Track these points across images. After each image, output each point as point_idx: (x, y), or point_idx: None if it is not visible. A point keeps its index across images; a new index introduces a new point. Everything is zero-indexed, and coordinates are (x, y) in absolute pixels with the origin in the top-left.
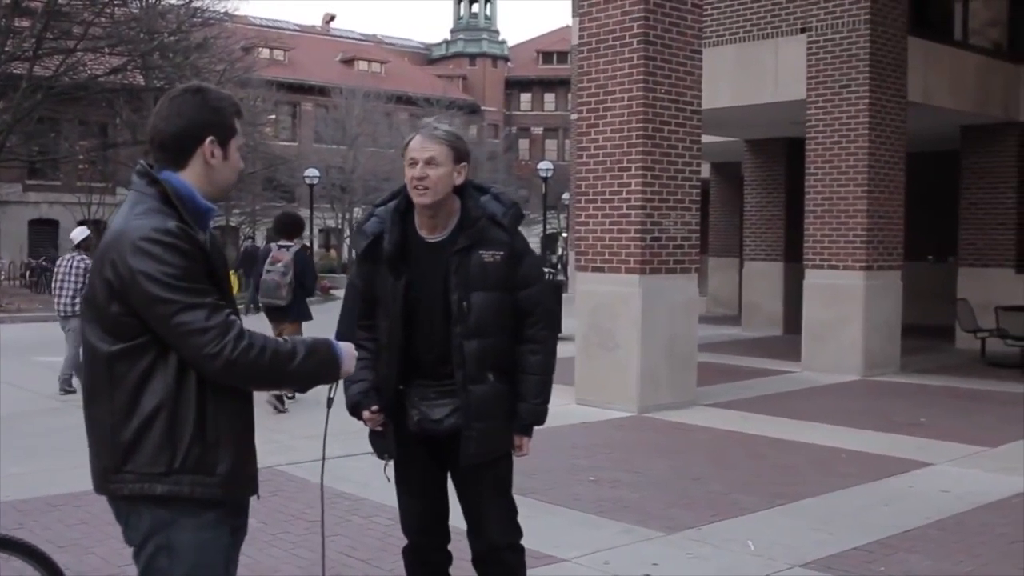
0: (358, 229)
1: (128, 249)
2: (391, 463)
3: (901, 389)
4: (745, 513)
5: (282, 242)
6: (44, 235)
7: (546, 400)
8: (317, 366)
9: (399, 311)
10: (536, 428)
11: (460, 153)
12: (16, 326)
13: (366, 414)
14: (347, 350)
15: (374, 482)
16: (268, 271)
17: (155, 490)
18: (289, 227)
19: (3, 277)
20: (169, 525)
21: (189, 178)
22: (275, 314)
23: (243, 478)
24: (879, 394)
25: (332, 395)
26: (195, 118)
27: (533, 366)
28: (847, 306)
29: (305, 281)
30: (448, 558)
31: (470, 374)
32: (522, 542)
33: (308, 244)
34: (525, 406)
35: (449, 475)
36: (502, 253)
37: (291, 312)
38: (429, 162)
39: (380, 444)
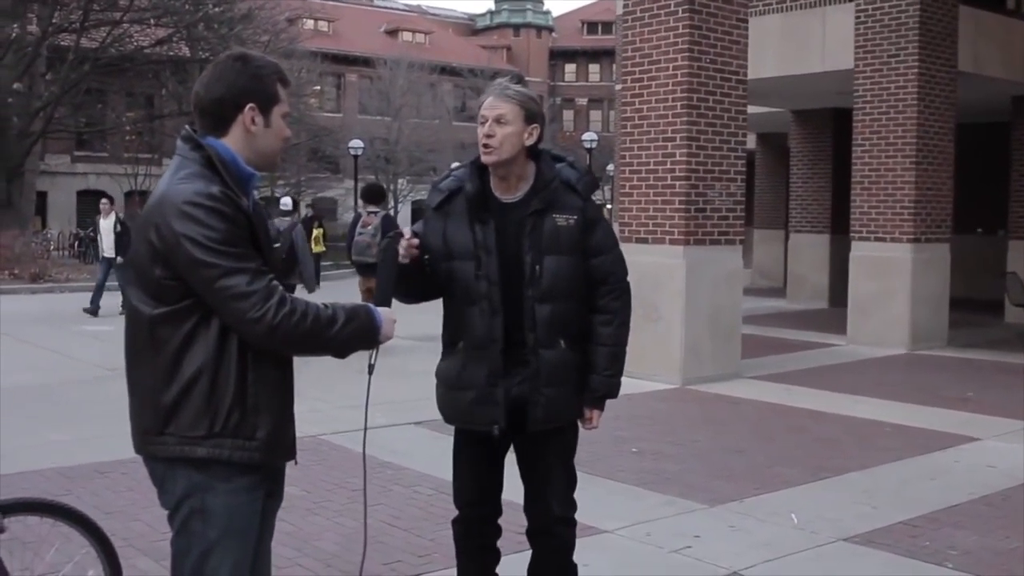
0: (434, 187)
1: (172, 213)
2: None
3: (948, 363)
4: (788, 486)
5: (370, 208)
6: (92, 206)
7: (619, 372)
8: (357, 331)
9: (494, 256)
10: None
11: (531, 113)
12: (64, 295)
13: (407, 232)
14: (387, 315)
15: (417, 451)
16: (360, 233)
17: (195, 453)
18: (376, 195)
19: (52, 247)
20: (204, 489)
21: (231, 144)
22: (365, 270)
23: (282, 443)
24: (925, 368)
25: (373, 361)
26: (235, 84)
27: (605, 337)
28: (894, 279)
29: None
30: (498, 531)
31: (541, 339)
32: (576, 516)
33: (392, 210)
34: (597, 378)
35: (512, 445)
36: (575, 218)
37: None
38: (498, 120)
39: (485, 413)
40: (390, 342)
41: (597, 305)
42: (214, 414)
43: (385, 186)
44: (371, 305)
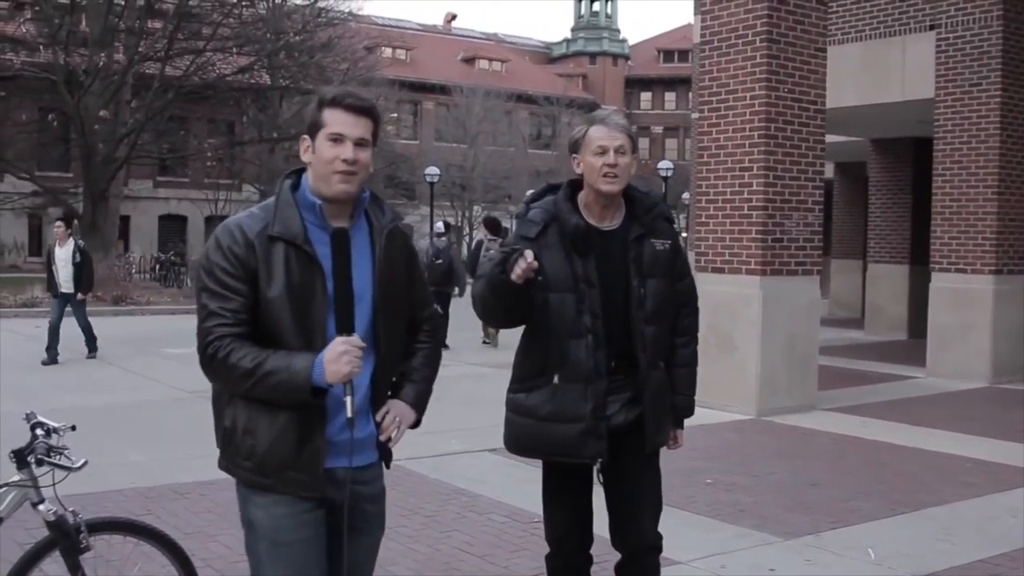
0: (522, 218)
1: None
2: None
3: None
4: (865, 520)
5: (491, 236)
6: (173, 230)
7: (694, 392)
8: (278, 386)
9: (597, 289)
10: None
11: (635, 145)
12: (146, 319)
13: (528, 254)
14: (329, 354)
15: (491, 479)
16: (484, 254)
17: (219, 462)
18: (496, 226)
19: (134, 271)
20: (246, 501)
21: (309, 175)
22: None
23: (284, 473)
24: (1007, 402)
25: (349, 415)
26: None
27: (686, 358)
28: (975, 311)
29: None
30: (590, 560)
31: (649, 360)
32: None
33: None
34: (681, 398)
35: (600, 473)
36: (670, 243)
37: None
38: (619, 151)
39: (589, 446)
40: (460, 369)
41: (679, 327)
42: (224, 430)
43: (460, 213)
44: (312, 359)
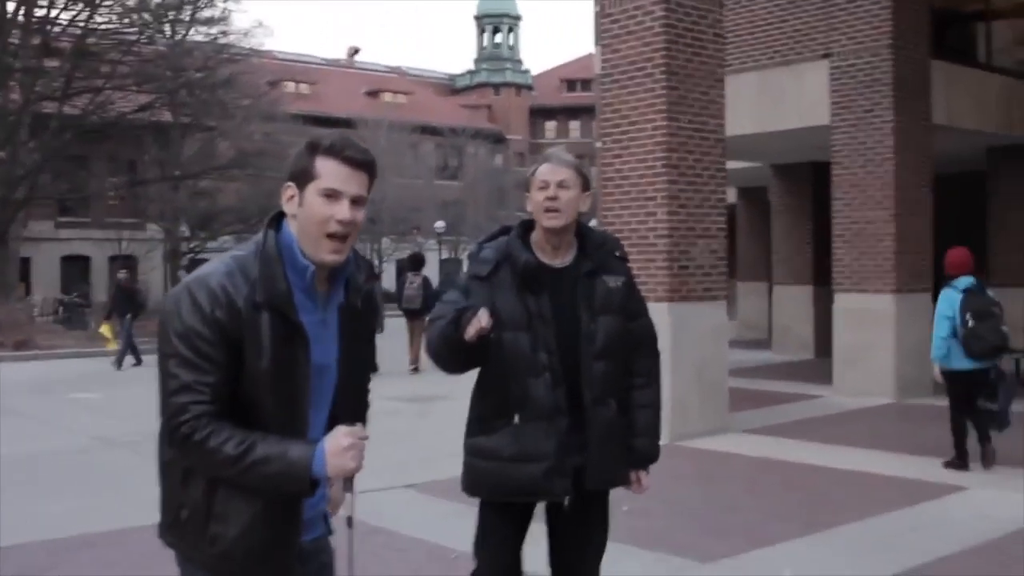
0: (475, 258)
1: (176, 287)
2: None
3: (934, 412)
4: (781, 541)
5: (413, 272)
6: (76, 271)
7: (659, 434)
8: (272, 476)
9: (551, 326)
10: None
11: (585, 181)
12: (51, 363)
13: (481, 312)
14: (333, 446)
15: (408, 515)
16: (408, 285)
17: (164, 536)
18: (418, 262)
19: (37, 314)
20: None
21: (294, 229)
22: (411, 315)
23: (251, 567)
24: (912, 418)
25: (350, 513)
26: (288, 167)
27: (646, 398)
28: (878, 330)
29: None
30: None
31: (596, 396)
32: None
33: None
34: (642, 440)
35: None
36: (623, 279)
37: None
38: (560, 185)
39: (555, 484)
40: (377, 405)
41: (635, 368)
42: (178, 506)
43: (370, 246)
44: (310, 449)
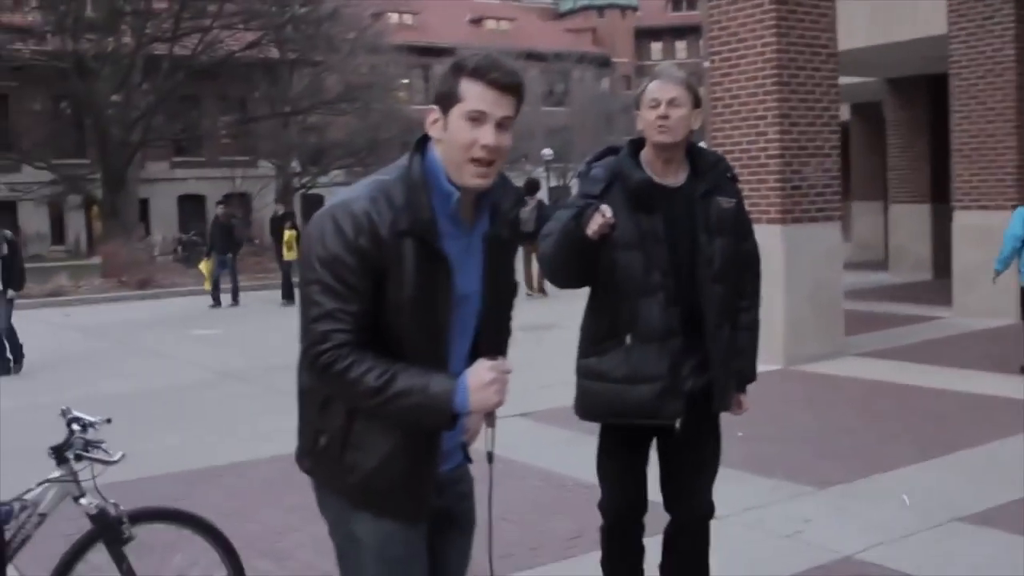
0: (585, 177)
1: (320, 211)
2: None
3: None
4: (898, 466)
5: (528, 198)
6: (192, 210)
7: (756, 357)
8: (413, 409)
9: (664, 246)
10: None
11: (697, 98)
12: (171, 300)
13: (603, 207)
14: (476, 381)
15: (523, 444)
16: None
17: (303, 464)
18: (533, 187)
19: (157, 253)
20: (344, 514)
21: (441, 153)
22: (525, 239)
23: (390, 495)
24: None
25: (490, 448)
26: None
27: (749, 322)
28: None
29: (543, 217)
30: (643, 528)
31: (718, 319)
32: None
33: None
34: (744, 362)
35: (659, 444)
36: (735, 201)
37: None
38: (671, 103)
39: (667, 406)
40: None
41: (741, 290)
42: (317, 433)
43: None
44: (452, 383)
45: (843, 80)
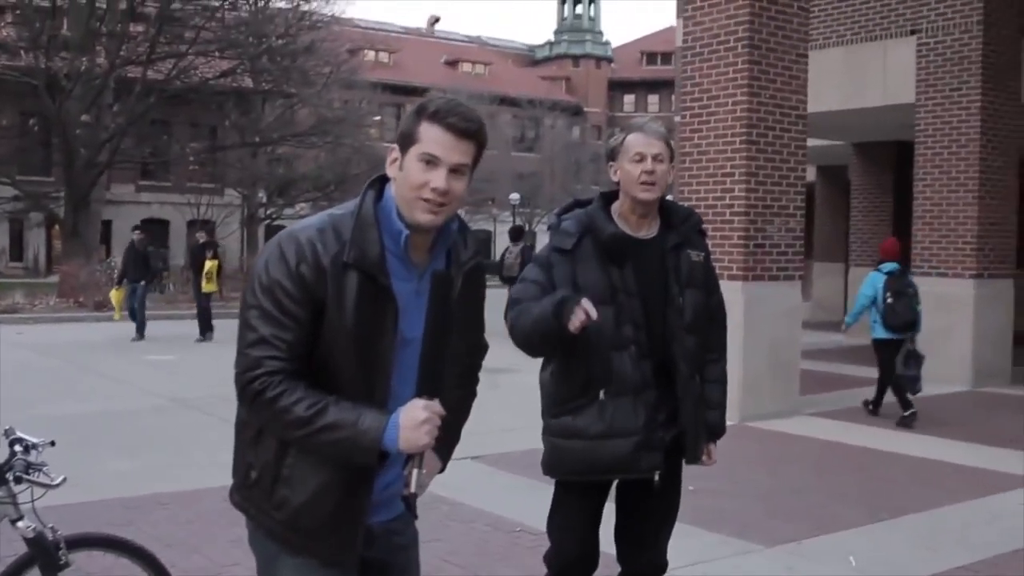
0: (556, 230)
1: (269, 240)
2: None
3: (1012, 401)
4: (846, 527)
5: (512, 244)
6: (156, 235)
7: (725, 409)
8: (330, 445)
9: (636, 298)
10: None
11: (673, 153)
12: (127, 323)
13: (584, 301)
14: (408, 420)
15: (471, 487)
16: (507, 254)
17: (232, 498)
18: (518, 233)
19: (114, 276)
20: (271, 558)
21: (394, 191)
22: (511, 282)
23: (318, 534)
24: (989, 407)
25: (411, 489)
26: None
27: (717, 373)
28: (956, 315)
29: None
30: None
31: (690, 370)
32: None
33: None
34: (713, 413)
35: (618, 496)
36: (704, 255)
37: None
38: (656, 158)
39: (643, 460)
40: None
41: (709, 343)
42: (248, 466)
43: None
44: (383, 419)
45: (811, 142)
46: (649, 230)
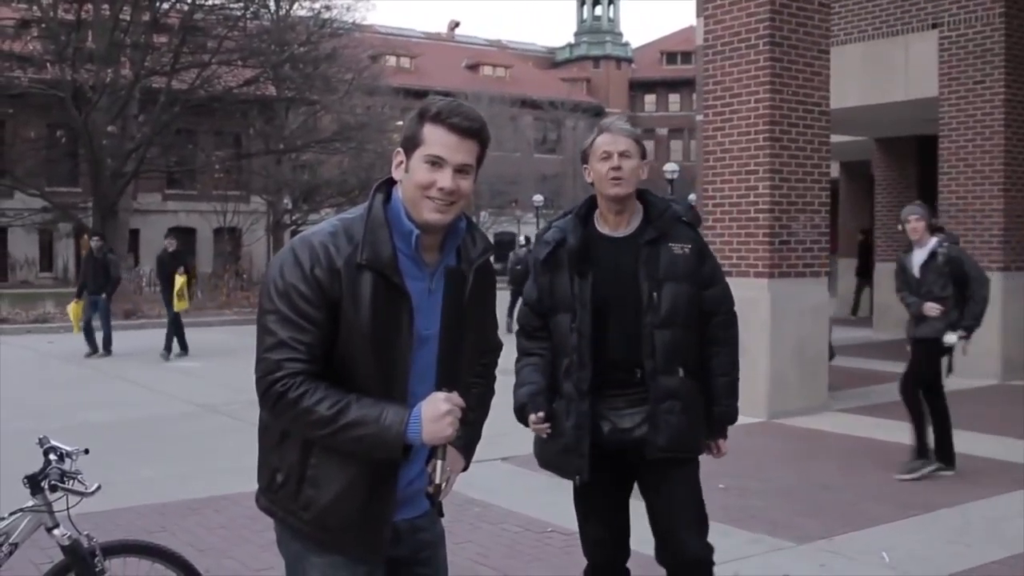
0: (538, 239)
1: (283, 247)
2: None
3: None
4: (877, 523)
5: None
6: (183, 243)
7: (735, 399)
8: (355, 442)
9: (588, 310)
10: None
11: (643, 150)
12: (156, 331)
13: (532, 418)
14: (430, 412)
15: (503, 488)
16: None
17: (259, 502)
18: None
19: (144, 283)
20: (299, 558)
21: (402, 193)
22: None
23: (345, 533)
24: (1018, 400)
25: (436, 481)
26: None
27: (721, 366)
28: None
29: None
30: (626, 574)
31: (659, 366)
32: (714, 558)
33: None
34: (717, 407)
35: (639, 491)
36: (690, 247)
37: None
38: (623, 154)
39: (570, 463)
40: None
41: (710, 336)
42: (274, 469)
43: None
44: (405, 413)
45: (834, 138)
46: (628, 227)
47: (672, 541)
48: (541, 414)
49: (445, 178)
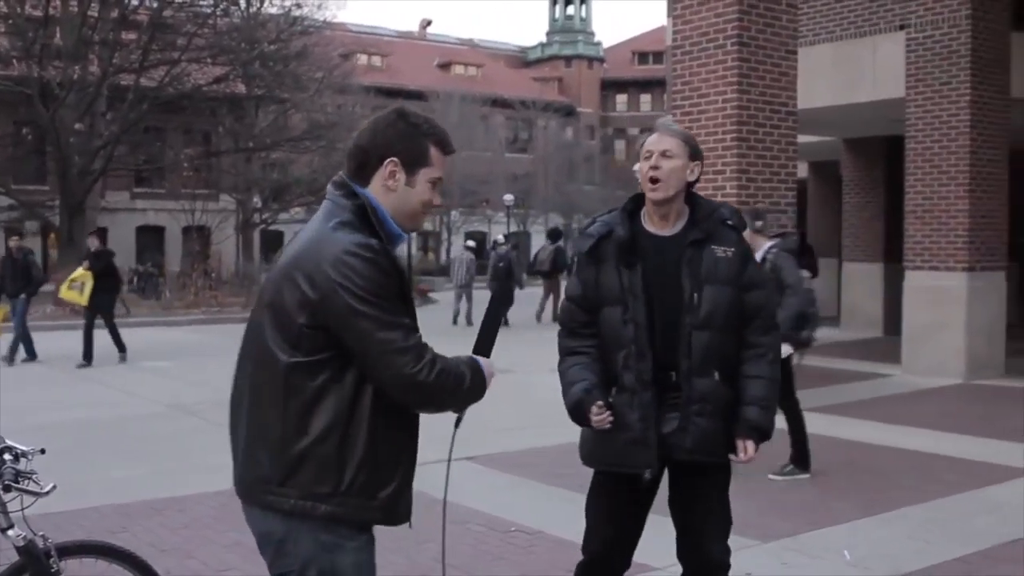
0: (582, 233)
1: (328, 261)
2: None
3: (1005, 393)
4: (841, 521)
5: (548, 242)
6: (151, 241)
7: (773, 405)
8: (477, 386)
9: (641, 300)
10: None
11: (694, 150)
12: (125, 331)
13: (594, 409)
14: (487, 364)
15: (467, 487)
16: (540, 251)
17: (317, 510)
18: (554, 234)
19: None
20: (333, 549)
21: (376, 196)
22: (542, 276)
23: (402, 505)
24: (982, 399)
25: (462, 415)
26: (383, 136)
27: (759, 370)
28: (949, 308)
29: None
30: None
31: (695, 367)
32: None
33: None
34: (750, 408)
35: (669, 487)
36: (733, 250)
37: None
38: (664, 154)
39: (637, 456)
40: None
41: (748, 340)
42: (342, 471)
43: (439, 218)
44: (476, 358)
45: (802, 138)
46: (674, 227)
47: (699, 552)
48: (600, 402)
49: (438, 196)
